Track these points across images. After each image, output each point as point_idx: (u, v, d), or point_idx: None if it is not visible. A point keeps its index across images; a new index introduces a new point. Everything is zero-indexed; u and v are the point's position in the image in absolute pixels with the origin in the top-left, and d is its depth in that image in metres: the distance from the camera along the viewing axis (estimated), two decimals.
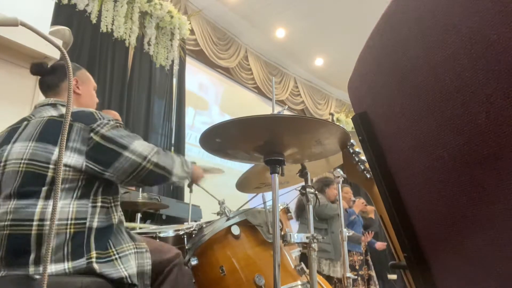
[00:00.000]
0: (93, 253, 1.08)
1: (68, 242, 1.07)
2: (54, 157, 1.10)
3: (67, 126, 0.74)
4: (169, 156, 1.31)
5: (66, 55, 0.68)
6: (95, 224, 1.14)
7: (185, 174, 1.37)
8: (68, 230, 1.08)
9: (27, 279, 0.99)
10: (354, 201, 4.00)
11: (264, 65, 6.61)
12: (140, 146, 1.22)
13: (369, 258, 4.10)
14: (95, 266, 1.06)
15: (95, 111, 1.25)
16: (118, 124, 1.25)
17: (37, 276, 1.00)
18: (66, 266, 1.04)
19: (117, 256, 1.13)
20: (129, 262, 1.15)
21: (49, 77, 1.36)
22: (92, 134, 1.16)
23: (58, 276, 1.02)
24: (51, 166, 1.10)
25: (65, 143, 0.74)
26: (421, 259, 0.51)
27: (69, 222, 1.08)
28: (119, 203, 1.29)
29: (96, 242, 1.11)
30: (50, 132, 1.15)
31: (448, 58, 0.38)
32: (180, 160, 1.37)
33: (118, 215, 1.26)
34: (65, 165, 1.10)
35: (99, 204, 1.17)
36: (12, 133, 1.20)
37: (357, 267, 3.75)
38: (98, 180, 1.18)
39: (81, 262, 1.06)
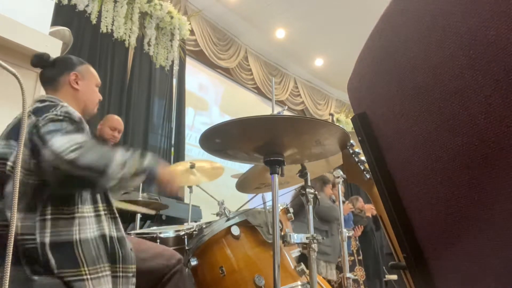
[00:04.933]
0: (60, 271, 1.00)
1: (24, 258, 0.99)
2: (12, 156, 1.05)
3: (25, 125, 0.70)
4: (103, 151, 1.06)
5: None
6: (47, 240, 1.01)
7: (129, 174, 1.07)
8: (21, 247, 0.99)
9: (26, 280, 0.99)
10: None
11: (264, 66, 6.60)
12: (58, 141, 1.01)
13: (361, 258, 4.05)
14: (70, 283, 1.00)
15: (62, 104, 1.14)
16: (59, 118, 1.08)
17: (36, 277, 0.99)
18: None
19: (88, 276, 1.04)
20: (101, 286, 1.05)
21: (48, 70, 1.34)
22: (33, 129, 1.05)
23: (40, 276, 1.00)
24: (8, 163, 1.05)
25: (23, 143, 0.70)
26: (421, 259, 0.51)
27: (18, 237, 0.99)
28: (98, 213, 1.15)
29: (58, 259, 1.01)
30: (16, 129, 1.10)
31: (447, 59, 0.38)
32: (123, 158, 1.08)
33: (93, 228, 1.11)
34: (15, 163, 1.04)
35: (48, 216, 1.04)
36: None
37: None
38: (49, 186, 1.05)
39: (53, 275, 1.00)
